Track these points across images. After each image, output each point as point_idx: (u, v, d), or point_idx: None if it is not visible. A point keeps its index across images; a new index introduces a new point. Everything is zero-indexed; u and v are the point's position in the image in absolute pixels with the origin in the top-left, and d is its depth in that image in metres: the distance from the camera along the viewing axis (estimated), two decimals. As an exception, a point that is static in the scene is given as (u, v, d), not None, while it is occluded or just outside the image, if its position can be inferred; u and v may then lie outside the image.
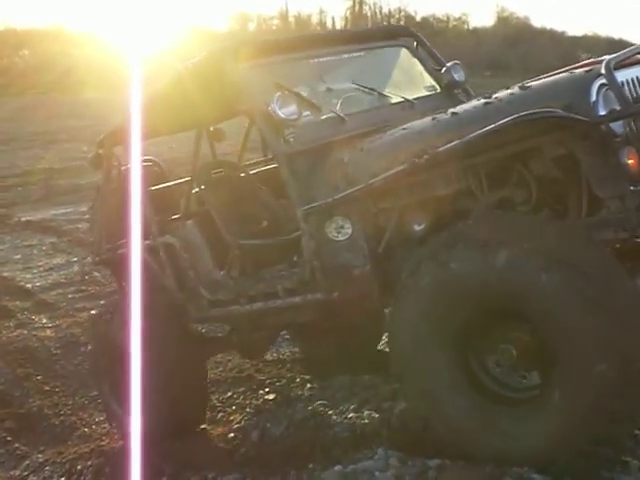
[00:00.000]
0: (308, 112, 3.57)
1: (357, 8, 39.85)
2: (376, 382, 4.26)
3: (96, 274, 7.82)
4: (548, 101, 2.75)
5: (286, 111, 3.38)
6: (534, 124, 2.67)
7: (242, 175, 4.53)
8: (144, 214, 4.23)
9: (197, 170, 4.46)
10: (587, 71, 2.81)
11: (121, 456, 3.97)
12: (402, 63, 4.49)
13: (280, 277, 3.69)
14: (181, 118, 4.41)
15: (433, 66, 4.50)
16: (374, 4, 40.33)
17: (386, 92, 4.10)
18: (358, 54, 4.29)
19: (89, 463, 4.21)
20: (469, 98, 4.34)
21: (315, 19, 42.44)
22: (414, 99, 4.10)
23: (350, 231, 3.29)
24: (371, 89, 4.05)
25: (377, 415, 3.68)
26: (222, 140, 5.11)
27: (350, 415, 3.78)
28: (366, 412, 3.77)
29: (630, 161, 2.79)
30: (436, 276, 2.80)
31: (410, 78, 4.43)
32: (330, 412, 3.88)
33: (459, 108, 3.14)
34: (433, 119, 3.11)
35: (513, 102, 2.88)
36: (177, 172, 5.64)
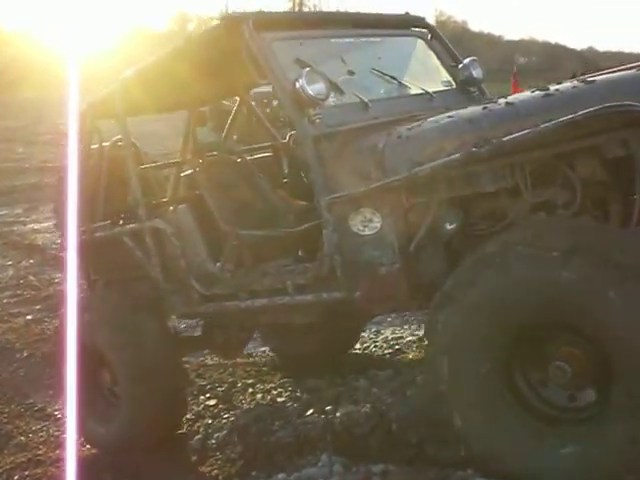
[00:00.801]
0: (333, 94, 3.24)
1: (298, 9, 39.88)
2: (320, 385, 4.18)
3: (32, 278, 7.63)
4: (619, 96, 2.50)
5: (315, 89, 3.05)
6: (613, 118, 2.42)
7: (239, 160, 4.17)
8: (130, 195, 3.83)
9: (186, 152, 4.08)
10: None
11: (59, 465, 3.89)
12: (418, 54, 4.22)
13: (289, 272, 3.35)
14: (181, 94, 4.02)
15: (449, 61, 4.27)
16: (314, 6, 40.01)
17: (405, 82, 3.81)
18: (375, 39, 4.01)
19: (26, 473, 4.03)
20: (485, 97, 4.14)
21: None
22: (433, 92, 3.84)
23: (379, 225, 2.98)
24: (392, 77, 3.76)
25: (321, 419, 3.58)
26: (204, 124, 4.74)
27: (294, 420, 3.68)
28: (310, 416, 3.68)
29: None
30: (494, 286, 2.51)
31: (426, 70, 4.17)
32: (273, 417, 3.77)
33: (512, 98, 2.87)
34: (484, 108, 2.83)
35: (579, 95, 2.62)
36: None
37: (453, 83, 4.14)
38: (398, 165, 2.90)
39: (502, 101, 2.84)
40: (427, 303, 2.91)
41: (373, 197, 2.95)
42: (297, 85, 3.04)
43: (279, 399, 4.25)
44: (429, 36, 4.27)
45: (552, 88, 2.80)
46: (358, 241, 3.04)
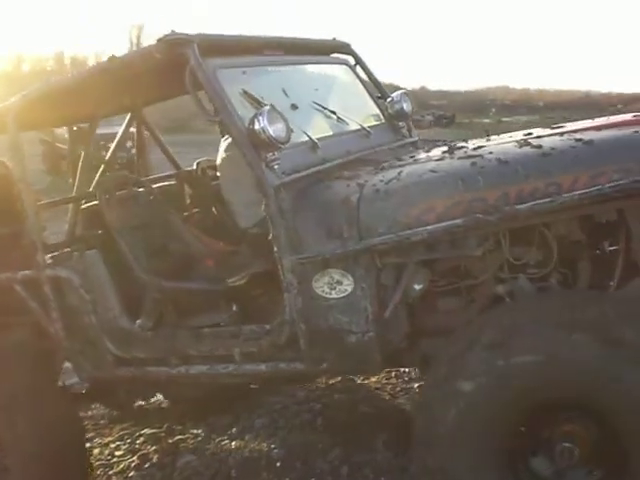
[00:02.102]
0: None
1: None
2: (159, 435, 4.06)
3: None
4: (627, 162, 2.36)
5: (276, 130, 2.66)
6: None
7: (151, 198, 3.64)
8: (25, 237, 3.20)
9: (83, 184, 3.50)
10: None
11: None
12: (347, 84, 3.94)
13: (234, 337, 2.91)
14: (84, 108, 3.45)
15: (374, 92, 4.03)
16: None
17: (342, 116, 3.50)
18: (308, 67, 3.67)
19: None
20: (412, 133, 3.95)
21: (92, 61, 40.50)
22: (369, 127, 3.58)
23: (350, 289, 2.64)
24: (331, 111, 3.44)
25: (159, 472, 3.51)
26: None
27: (131, 474, 3.59)
28: (148, 469, 3.61)
29: None
30: (494, 374, 2.27)
31: (356, 102, 3.89)
32: (110, 471, 3.64)
33: (499, 151, 2.64)
34: (473, 164, 2.58)
35: (581, 157, 2.44)
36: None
37: (382, 117, 3.91)
38: (376, 223, 2.58)
39: (491, 156, 2.59)
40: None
41: (345, 257, 2.61)
42: (257, 125, 2.62)
43: (117, 452, 4.01)
44: (354, 64, 4.01)
45: (536, 142, 2.62)
46: (322, 306, 2.68)
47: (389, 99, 3.91)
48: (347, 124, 3.50)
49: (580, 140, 2.52)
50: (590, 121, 3.00)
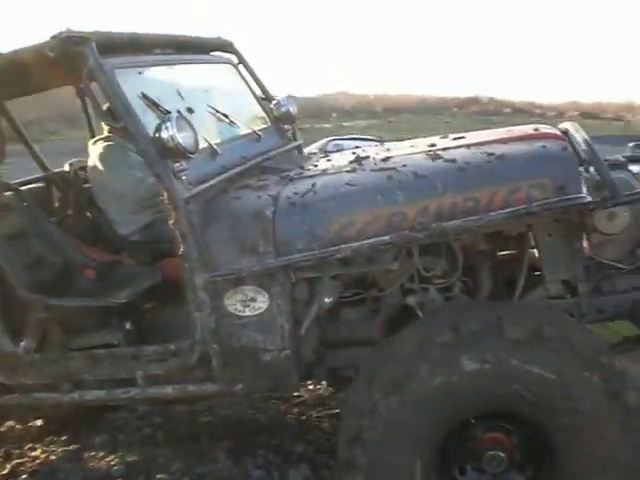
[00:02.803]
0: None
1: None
2: None
3: None
4: (540, 177, 2.45)
5: (185, 139, 2.49)
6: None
7: (25, 204, 3.30)
8: None
9: None
10: (564, 148, 2.58)
11: None
12: (234, 85, 3.79)
13: (135, 359, 2.70)
14: None
15: (258, 93, 3.93)
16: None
17: (233, 119, 3.37)
18: (198, 67, 3.48)
19: None
20: (295, 136, 3.90)
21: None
22: (258, 131, 3.48)
23: (265, 306, 2.54)
24: (224, 115, 3.29)
25: None
26: None
27: None
28: None
29: (585, 246, 2.69)
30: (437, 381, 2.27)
31: (243, 104, 3.76)
32: None
33: (413, 165, 2.63)
34: (390, 178, 2.55)
35: (496, 172, 2.50)
36: None
37: (267, 119, 3.82)
38: (294, 238, 2.49)
39: (406, 170, 2.58)
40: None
41: (261, 274, 2.50)
42: (165, 133, 2.44)
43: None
44: (238, 64, 3.88)
45: (449, 157, 2.65)
46: (236, 324, 2.56)
47: (274, 101, 3.83)
48: (238, 128, 3.38)
49: (492, 154, 2.58)
50: (489, 132, 3.10)
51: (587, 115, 31.56)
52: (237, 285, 2.53)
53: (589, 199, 2.34)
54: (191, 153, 2.50)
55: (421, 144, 3.08)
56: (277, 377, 2.60)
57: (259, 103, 3.88)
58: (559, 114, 32.09)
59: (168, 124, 2.44)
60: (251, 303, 2.54)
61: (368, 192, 2.51)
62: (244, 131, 3.39)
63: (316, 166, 3.02)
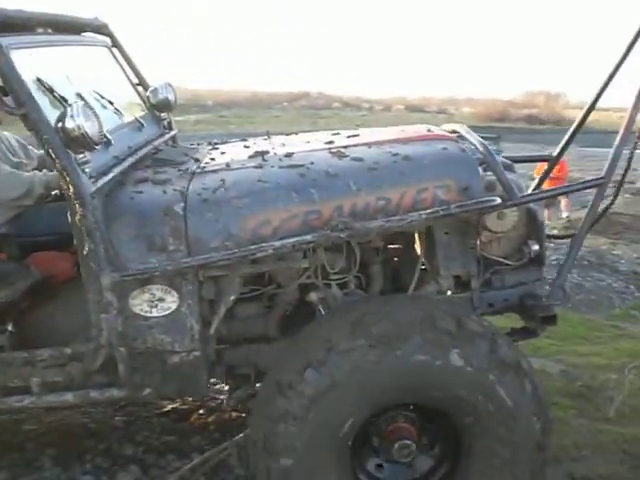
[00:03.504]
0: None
1: None
2: None
3: None
4: (445, 178, 2.56)
5: (91, 128, 2.32)
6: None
7: None
8: None
9: None
10: (463, 149, 2.70)
11: None
12: (110, 69, 3.57)
13: (28, 363, 2.48)
14: None
15: (132, 78, 3.74)
16: None
17: (117, 107, 3.18)
18: (77, 49, 3.24)
19: None
20: (171, 125, 3.78)
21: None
22: (139, 119, 3.33)
23: (174, 306, 2.44)
24: (109, 101, 3.10)
25: None
26: None
27: None
28: None
29: (478, 242, 2.82)
30: (321, 387, 2.29)
31: (119, 90, 3.55)
32: None
33: (321, 162, 2.63)
34: (302, 175, 2.53)
35: (405, 172, 2.56)
36: None
37: (143, 106, 3.65)
38: (208, 236, 2.41)
39: (316, 168, 2.58)
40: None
41: (171, 273, 2.40)
42: (70, 123, 2.25)
43: None
44: (112, 46, 3.66)
45: (350, 152, 2.70)
46: (142, 325, 2.44)
47: (151, 88, 3.67)
48: (122, 115, 3.20)
49: (397, 155, 2.65)
50: (382, 131, 3.18)
51: (413, 108, 33.44)
52: (144, 285, 2.42)
53: (499, 201, 2.47)
54: (96, 144, 2.33)
55: (315, 140, 3.09)
56: (186, 379, 2.51)
57: (134, 89, 3.70)
58: (386, 107, 33.73)
59: (74, 112, 2.26)
60: (159, 303, 2.44)
61: (282, 189, 2.48)
62: (127, 119, 3.22)
63: (213, 159, 2.93)
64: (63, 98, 2.49)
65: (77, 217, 2.30)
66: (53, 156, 2.27)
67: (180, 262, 2.36)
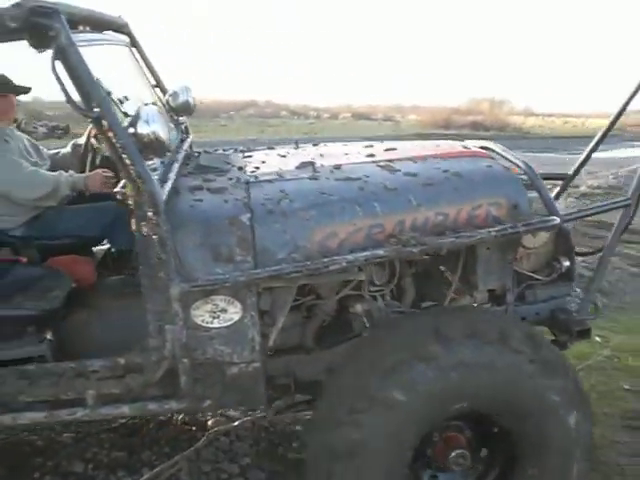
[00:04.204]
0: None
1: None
2: None
3: None
4: (496, 196, 2.61)
5: (165, 134, 2.27)
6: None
7: None
8: None
9: None
10: (506, 167, 2.76)
11: None
12: (130, 70, 3.48)
13: (81, 375, 2.40)
14: None
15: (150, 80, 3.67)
16: None
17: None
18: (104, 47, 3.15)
19: None
20: (188, 130, 3.72)
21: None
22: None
23: (237, 317, 2.40)
24: (146, 104, 3.03)
25: None
26: None
27: None
28: None
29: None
30: (434, 382, 2.29)
31: (142, 91, 3.48)
32: None
33: (376, 176, 2.64)
34: (361, 189, 2.54)
35: (460, 190, 2.60)
36: None
37: (163, 109, 3.57)
38: (275, 247, 2.38)
39: (373, 181, 2.59)
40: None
41: (240, 284, 2.36)
42: (144, 128, 2.20)
43: None
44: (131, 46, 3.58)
45: (399, 167, 2.73)
46: (203, 337, 2.39)
47: (171, 91, 3.59)
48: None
49: (447, 171, 2.69)
50: (419, 145, 3.22)
51: (359, 116, 33.73)
52: (208, 295, 2.37)
53: (558, 221, 2.54)
54: (168, 150, 2.29)
55: (354, 152, 3.11)
56: (245, 391, 2.47)
57: (154, 91, 3.63)
58: (333, 116, 33.91)
59: (148, 117, 2.21)
60: (221, 314, 2.40)
61: (346, 202, 2.48)
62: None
63: (259, 168, 2.90)
64: (121, 101, 2.43)
65: (148, 226, 2.24)
66: (128, 162, 2.20)
67: (252, 273, 2.32)
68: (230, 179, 2.70)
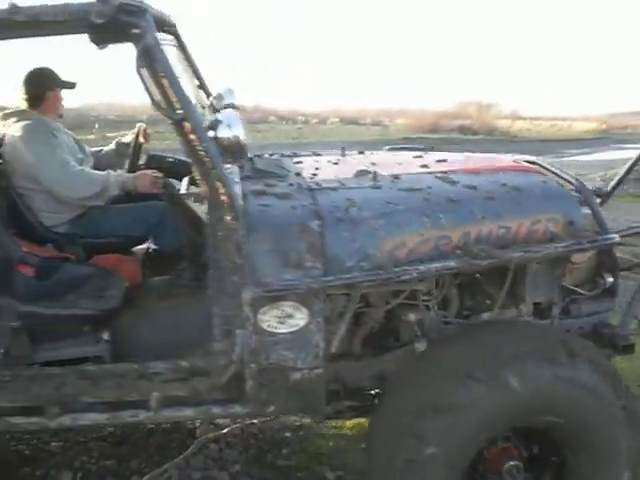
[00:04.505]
0: None
1: None
2: None
3: None
4: (554, 212, 2.66)
5: (246, 138, 2.29)
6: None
7: None
8: None
9: None
10: (560, 183, 2.83)
11: None
12: (180, 70, 3.47)
13: (144, 376, 2.39)
14: None
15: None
16: None
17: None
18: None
19: None
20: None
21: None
22: None
23: (303, 323, 2.42)
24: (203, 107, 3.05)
25: None
26: None
27: None
28: None
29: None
30: (494, 401, 2.34)
31: (193, 93, 3.47)
32: None
33: (437, 187, 2.68)
34: (426, 200, 2.57)
35: (521, 205, 2.65)
36: None
37: (207, 112, 3.57)
38: (344, 255, 2.40)
39: (436, 192, 2.62)
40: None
41: (310, 290, 2.38)
42: (227, 132, 2.22)
43: None
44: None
45: (458, 179, 2.77)
46: (269, 342, 2.40)
47: (216, 94, 3.59)
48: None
49: (505, 185, 2.73)
50: (468, 157, 3.26)
51: (347, 121, 33.86)
52: (276, 300, 2.38)
53: (618, 238, 2.59)
54: (247, 155, 2.30)
55: (406, 162, 3.14)
56: (308, 397, 2.49)
57: (199, 93, 3.62)
58: (321, 121, 34.00)
59: (231, 121, 2.22)
60: (287, 320, 2.41)
61: (414, 213, 2.51)
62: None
63: (316, 175, 2.91)
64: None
65: (224, 229, 2.25)
66: (210, 166, 2.20)
67: (324, 280, 2.34)
68: (291, 185, 2.71)
